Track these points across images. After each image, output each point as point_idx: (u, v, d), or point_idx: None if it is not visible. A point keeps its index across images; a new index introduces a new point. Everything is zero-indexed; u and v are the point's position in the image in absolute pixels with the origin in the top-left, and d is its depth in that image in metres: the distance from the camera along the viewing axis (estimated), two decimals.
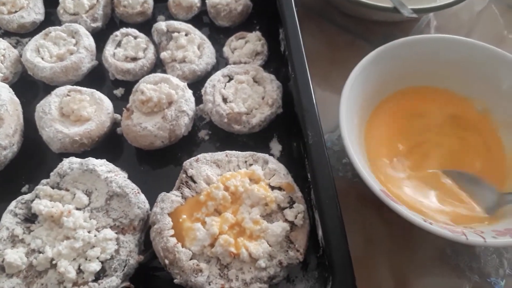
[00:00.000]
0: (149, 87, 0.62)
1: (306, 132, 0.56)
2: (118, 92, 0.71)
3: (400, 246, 0.61)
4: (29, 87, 0.72)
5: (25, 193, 0.61)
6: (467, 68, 0.65)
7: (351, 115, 0.59)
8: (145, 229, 0.55)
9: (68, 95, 0.64)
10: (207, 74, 0.71)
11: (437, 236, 0.49)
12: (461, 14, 0.91)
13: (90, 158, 0.57)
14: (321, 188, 0.51)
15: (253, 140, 0.66)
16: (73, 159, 0.57)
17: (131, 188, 0.55)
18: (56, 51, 0.69)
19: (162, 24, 0.72)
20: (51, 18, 0.81)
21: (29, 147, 0.65)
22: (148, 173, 0.64)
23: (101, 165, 0.56)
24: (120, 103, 0.68)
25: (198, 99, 0.68)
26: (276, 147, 0.66)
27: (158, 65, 0.74)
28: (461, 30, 0.88)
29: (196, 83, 0.71)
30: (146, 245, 0.55)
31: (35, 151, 0.66)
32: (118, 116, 0.67)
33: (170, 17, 0.81)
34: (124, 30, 0.73)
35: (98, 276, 0.50)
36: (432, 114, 0.65)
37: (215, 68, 0.73)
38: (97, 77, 0.73)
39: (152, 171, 0.64)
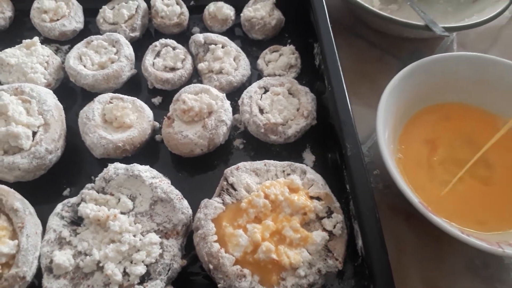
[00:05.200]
0: (190, 97, 0.64)
1: (345, 144, 0.58)
2: (156, 100, 0.73)
3: (430, 255, 0.62)
4: (68, 94, 0.74)
5: (67, 196, 0.63)
6: (494, 85, 0.67)
7: (384, 128, 0.61)
8: (187, 234, 0.57)
9: (111, 102, 0.66)
10: (242, 86, 0.73)
11: (467, 246, 0.51)
12: (483, 31, 0.93)
13: (134, 164, 0.58)
14: (361, 200, 0.53)
15: (287, 150, 0.68)
16: (118, 164, 0.59)
17: (175, 194, 0.57)
18: (97, 59, 0.72)
19: (199, 36, 0.75)
20: (89, 26, 0.83)
21: (69, 152, 0.67)
22: (186, 179, 0.66)
23: (146, 171, 0.58)
24: (158, 111, 0.70)
25: (233, 109, 0.70)
26: (309, 157, 0.68)
27: (194, 75, 0.76)
28: (483, 47, 0.90)
29: (231, 94, 0.73)
30: (186, 250, 0.57)
31: (76, 156, 0.68)
32: (157, 123, 0.69)
33: (204, 29, 0.83)
34: (163, 41, 0.75)
35: (143, 279, 0.52)
36: (463, 130, 0.67)
37: (249, 79, 0.75)
38: (135, 86, 0.75)
39: (190, 177, 0.66)
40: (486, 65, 0.67)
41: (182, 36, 0.81)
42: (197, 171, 0.67)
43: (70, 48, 0.79)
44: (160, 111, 0.71)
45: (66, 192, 0.64)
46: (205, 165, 0.67)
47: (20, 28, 0.83)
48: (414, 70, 0.65)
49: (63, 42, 0.81)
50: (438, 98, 0.69)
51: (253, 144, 0.69)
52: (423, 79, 0.67)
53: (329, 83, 0.64)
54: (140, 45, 0.78)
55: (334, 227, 0.55)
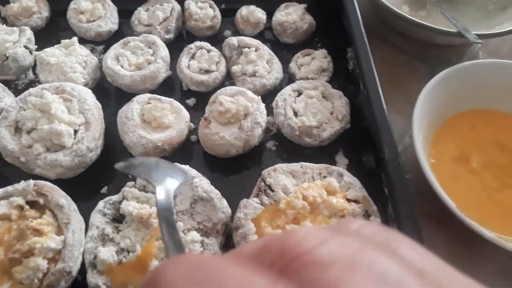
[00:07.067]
0: (227, 99, 0.65)
1: (382, 148, 0.59)
2: (191, 101, 0.74)
3: (461, 260, 0.62)
4: (103, 93, 0.76)
5: (105, 194, 0.65)
6: None
7: (419, 133, 0.62)
8: (226, 233, 0.58)
9: (149, 103, 0.67)
10: (275, 89, 0.74)
11: (500, 252, 0.51)
12: (508, 38, 0.93)
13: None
14: (400, 204, 0.54)
15: (319, 153, 0.69)
16: None
17: (216, 193, 0.58)
18: (134, 60, 0.73)
19: (233, 40, 0.76)
20: (122, 28, 0.85)
21: (106, 151, 0.68)
22: (220, 179, 0.67)
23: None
24: (192, 113, 0.71)
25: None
26: (342, 160, 0.68)
27: (226, 78, 0.77)
28: (509, 53, 0.91)
29: (263, 97, 0.73)
30: (223, 249, 0.58)
31: (112, 155, 0.69)
32: (192, 124, 0.70)
33: (235, 32, 0.84)
34: (198, 43, 0.76)
35: None
36: (495, 136, 0.68)
37: (281, 83, 0.77)
38: (169, 87, 0.77)
39: (224, 177, 0.67)
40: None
41: (214, 39, 0.83)
42: (231, 172, 0.68)
43: (104, 49, 0.80)
44: (195, 112, 0.72)
45: (103, 190, 0.66)
46: (239, 166, 0.68)
47: (55, 28, 0.85)
48: (449, 76, 0.66)
49: (98, 43, 0.82)
50: (469, 104, 0.70)
51: (285, 147, 0.70)
52: (456, 85, 0.67)
53: (364, 87, 0.65)
54: (173, 47, 0.79)
55: None
